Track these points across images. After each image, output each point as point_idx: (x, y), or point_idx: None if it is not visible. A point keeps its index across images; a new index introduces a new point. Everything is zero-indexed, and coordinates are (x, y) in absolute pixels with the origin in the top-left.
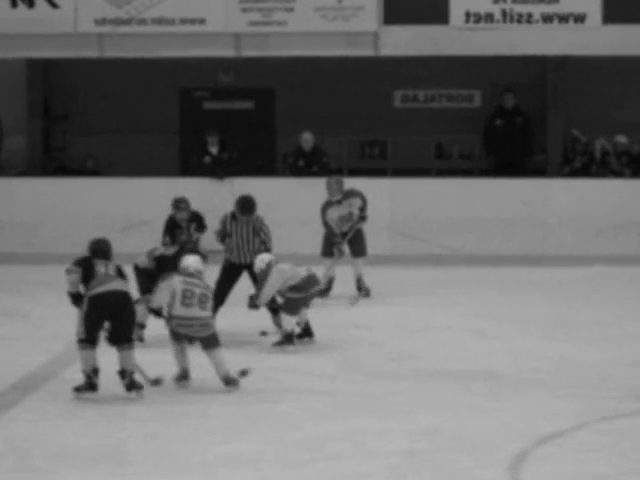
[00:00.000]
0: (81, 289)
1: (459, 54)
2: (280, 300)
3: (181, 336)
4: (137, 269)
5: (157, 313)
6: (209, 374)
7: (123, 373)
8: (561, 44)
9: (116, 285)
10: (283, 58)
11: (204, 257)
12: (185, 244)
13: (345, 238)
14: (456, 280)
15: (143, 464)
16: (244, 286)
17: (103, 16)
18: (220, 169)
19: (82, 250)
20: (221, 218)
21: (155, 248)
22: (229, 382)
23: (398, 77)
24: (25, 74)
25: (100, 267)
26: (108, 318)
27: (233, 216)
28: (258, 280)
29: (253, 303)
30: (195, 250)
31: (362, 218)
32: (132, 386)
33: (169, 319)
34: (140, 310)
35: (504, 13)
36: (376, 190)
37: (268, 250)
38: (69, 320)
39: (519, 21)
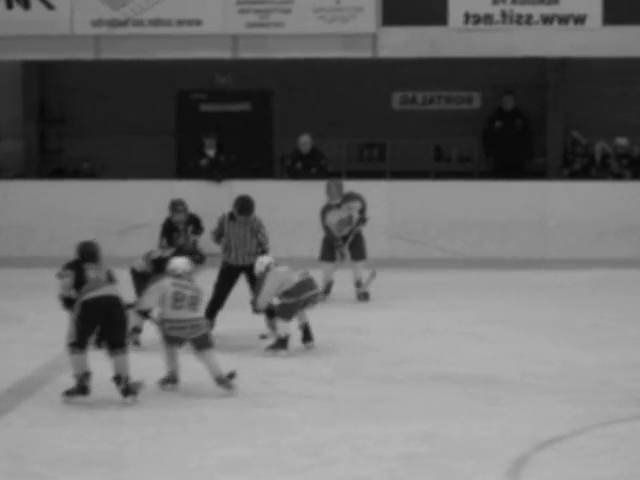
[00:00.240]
0: (72, 293)
1: (458, 56)
2: (277, 302)
3: (173, 339)
4: (134, 272)
5: (145, 315)
6: (205, 378)
7: (118, 379)
8: (561, 45)
9: (108, 290)
10: (281, 60)
11: (201, 259)
12: (182, 247)
13: (346, 242)
14: (456, 283)
15: (139, 469)
16: (243, 290)
17: (99, 18)
18: (217, 171)
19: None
20: (219, 218)
21: (152, 251)
22: (222, 382)
23: (397, 79)
24: (21, 76)
25: (91, 272)
26: (100, 323)
27: (231, 216)
28: (257, 283)
29: (255, 308)
30: (193, 252)
31: (362, 220)
32: (128, 391)
33: (162, 323)
34: (135, 314)
35: (503, 14)
36: (375, 193)
37: (265, 252)
38: (65, 324)
39: (519, 22)
